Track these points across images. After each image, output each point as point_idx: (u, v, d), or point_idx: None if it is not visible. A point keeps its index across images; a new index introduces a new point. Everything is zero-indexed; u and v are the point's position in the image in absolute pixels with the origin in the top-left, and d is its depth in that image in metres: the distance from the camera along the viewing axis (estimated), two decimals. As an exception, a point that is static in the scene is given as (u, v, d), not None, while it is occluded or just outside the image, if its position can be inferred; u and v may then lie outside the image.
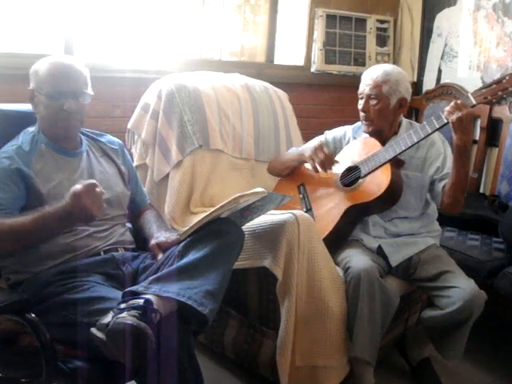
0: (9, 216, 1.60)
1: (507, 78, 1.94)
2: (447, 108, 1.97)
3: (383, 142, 2.19)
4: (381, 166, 2.10)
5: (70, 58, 1.87)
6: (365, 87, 2.18)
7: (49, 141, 1.81)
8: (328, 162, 2.18)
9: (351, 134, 2.36)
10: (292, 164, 2.38)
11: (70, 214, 1.53)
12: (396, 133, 2.22)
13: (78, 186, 1.52)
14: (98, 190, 1.54)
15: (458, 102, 1.95)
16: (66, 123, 1.79)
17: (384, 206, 2.14)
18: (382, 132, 2.20)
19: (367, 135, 2.25)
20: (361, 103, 2.19)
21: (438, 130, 2.03)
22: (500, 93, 1.94)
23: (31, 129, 1.84)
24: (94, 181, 1.55)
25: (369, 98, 2.16)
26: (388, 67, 2.20)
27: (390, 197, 2.09)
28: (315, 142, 2.41)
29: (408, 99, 2.21)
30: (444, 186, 2.10)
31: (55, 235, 1.67)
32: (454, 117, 1.94)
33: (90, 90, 1.82)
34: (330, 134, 2.42)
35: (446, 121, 1.98)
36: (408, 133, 2.08)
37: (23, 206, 1.69)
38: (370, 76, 2.18)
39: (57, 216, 1.55)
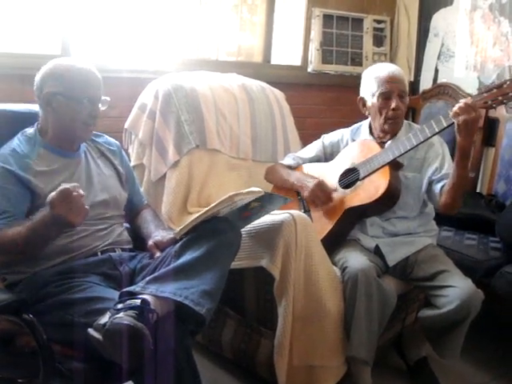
0: (14, 224, 1.60)
1: (508, 82, 1.91)
2: (455, 108, 1.93)
3: (383, 143, 2.19)
4: (379, 168, 2.09)
5: (86, 62, 1.86)
6: (393, 84, 2.12)
7: (47, 143, 1.81)
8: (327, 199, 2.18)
9: (349, 136, 2.35)
10: (287, 186, 2.33)
11: (53, 221, 1.50)
12: (395, 134, 2.21)
13: (52, 194, 1.48)
14: (75, 194, 1.47)
15: (469, 102, 1.91)
16: (89, 128, 1.82)
17: (382, 209, 2.14)
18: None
19: (366, 137, 2.25)
20: (389, 103, 2.13)
21: (437, 133, 2.02)
22: (500, 98, 1.92)
23: (28, 131, 1.83)
24: (69, 185, 1.48)
25: (401, 96, 2.13)
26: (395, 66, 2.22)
27: (389, 199, 2.08)
28: (313, 148, 2.42)
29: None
30: (442, 187, 2.09)
31: (53, 239, 1.64)
32: (460, 118, 1.91)
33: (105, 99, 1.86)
34: (327, 138, 2.41)
35: (452, 121, 1.95)
36: (407, 136, 2.07)
37: (29, 209, 1.68)
38: (396, 73, 2.15)
39: (43, 224, 1.53)
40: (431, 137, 2.04)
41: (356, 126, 2.35)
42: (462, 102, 1.92)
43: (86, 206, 1.52)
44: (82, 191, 1.50)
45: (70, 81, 1.76)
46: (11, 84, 1.92)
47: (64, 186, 1.48)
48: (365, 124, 2.31)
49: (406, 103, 2.17)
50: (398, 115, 2.15)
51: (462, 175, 2.02)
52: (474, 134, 1.95)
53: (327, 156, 2.38)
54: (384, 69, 2.18)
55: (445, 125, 1.98)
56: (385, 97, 2.14)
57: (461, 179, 2.02)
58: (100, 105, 1.82)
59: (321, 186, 2.19)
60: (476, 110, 1.90)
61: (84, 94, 1.77)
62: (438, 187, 2.11)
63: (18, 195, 1.68)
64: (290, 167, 2.40)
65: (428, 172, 2.16)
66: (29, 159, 1.74)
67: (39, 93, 1.79)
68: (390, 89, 2.13)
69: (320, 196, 2.17)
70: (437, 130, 2.01)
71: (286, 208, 2.13)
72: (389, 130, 2.18)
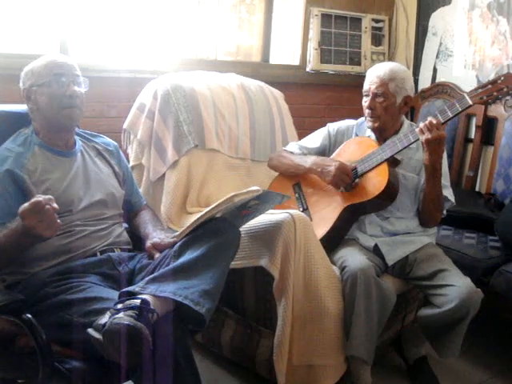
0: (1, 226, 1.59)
1: (502, 78, 1.95)
2: (420, 125, 1.98)
3: (384, 140, 2.20)
4: (378, 165, 2.10)
5: (60, 55, 1.88)
6: (370, 85, 2.16)
7: (42, 142, 1.82)
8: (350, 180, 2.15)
9: (355, 129, 2.34)
10: (299, 172, 2.30)
11: (23, 231, 1.48)
12: (397, 132, 2.21)
13: (24, 205, 1.45)
14: (47, 207, 1.44)
15: (433, 121, 1.95)
16: (69, 110, 1.79)
17: (381, 206, 2.14)
18: (385, 129, 2.20)
19: (368, 133, 2.25)
20: (366, 100, 2.17)
21: None
22: (495, 93, 1.95)
23: (24, 131, 1.84)
24: (43, 197, 1.45)
25: (375, 95, 2.14)
26: (394, 65, 2.20)
27: (388, 196, 2.08)
28: (318, 137, 2.39)
29: (412, 97, 2.22)
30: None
31: (26, 249, 1.61)
32: (423, 137, 1.96)
33: (83, 80, 1.85)
34: (332, 126, 2.39)
35: (418, 137, 2.00)
36: (405, 133, 2.09)
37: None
38: (375, 74, 2.16)
39: (16, 233, 1.51)
40: (414, 142, 2.05)
41: (362, 119, 2.32)
42: (427, 121, 1.96)
43: (59, 221, 1.49)
44: (55, 205, 1.47)
45: (39, 70, 1.80)
46: (8, 84, 1.92)
47: (37, 197, 1.45)
48: None
49: (382, 105, 2.14)
50: (373, 114, 2.16)
51: (432, 193, 2.06)
52: (439, 152, 1.98)
53: (332, 144, 2.35)
54: (373, 68, 2.21)
55: (417, 137, 2.01)
56: (364, 94, 2.20)
57: (431, 196, 2.06)
58: (76, 86, 1.81)
59: (343, 169, 2.13)
60: (439, 129, 1.94)
61: (52, 75, 1.78)
62: (421, 196, 2.14)
63: (7, 199, 1.67)
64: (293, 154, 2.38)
65: (423, 175, 2.16)
66: (24, 158, 1.75)
67: (22, 94, 1.83)
68: (366, 87, 2.18)
69: (344, 179, 2.13)
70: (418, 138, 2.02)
71: (284, 206, 2.13)
72: (370, 127, 2.20)
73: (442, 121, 1.98)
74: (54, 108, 1.78)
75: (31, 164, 1.75)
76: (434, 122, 1.95)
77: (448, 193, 2.13)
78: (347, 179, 2.13)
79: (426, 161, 2.00)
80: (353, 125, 2.35)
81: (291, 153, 2.38)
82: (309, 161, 2.26)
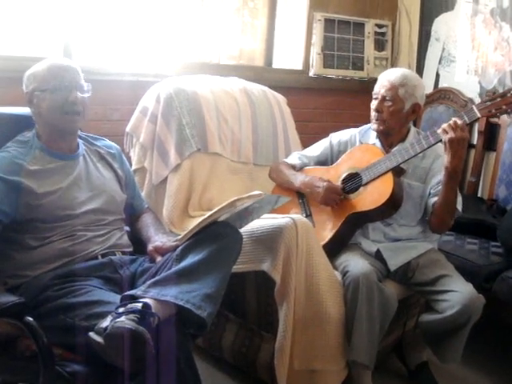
0: None
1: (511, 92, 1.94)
2: (444, 125, 1.96)
3: (389, 146, 2.20)
4: (383, 174, 2.09)
5: (60, 58, 1.86)
6: (380, 88, 2.16)
7: (44, 146, 1.81)
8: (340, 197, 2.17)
9: (358, 137, 2.33)
10: (292, 188, 2.31)
11: None
12: (403, 140, 2.20)
13: None
14: None
15: (458, 122, 1.94)
16: (71, 116, 1.79)
17: (385, 214, 2.13)
18: (390, 134, 2.19)
19: (372, 141, 2.25)
20: (374, 103, 2.17)
21: (441, 141, 2.00)
22: (504, 107, 1.94)
23: (27, 134, 1.84)
24: None
25: (384, 99, 2.14)
26: (407, 72, 2.20)
27: (392, 205, 2.08)
28: (320, 147, 2.40)
29: (421, 106, 2.21)
30: (434, 204, 2.10)
31: None
32: (446, 137, 1.94)
33: (86, 86, 1.85)
34: (335, 137, 2.38)
35: (440, 138, 1.99)
36: (411, 142, 2.08)
37: (21, 207, 1.68)
38: (387, 77, 2.16)
39: None
40: (435, 144, 2.04)
41: (366, 126, 2.32)
42: (451, 121, 1.95)
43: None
44: None
45: (42, 74, 1.79)
46: (10, 87, 1.92)
47: None
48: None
49: (390, 109, 2.13)
50: (379, 117, 2.16)
51: (449, 197, 2.03)
52: (461, 155, 1.95)
53: (334, 155, 2.35)
54: (386, 71, 2.21)
55: (439, 138, 1.99)
56: (374, 97, 2.19)
57: (448, 201, 2.04)
58: (78, 92, 1.80)
59: (331, 189, 2.16)
60: (463, 131, 1.93)
61: (55, 81, 1.77)
62: (431, 202, 2.12)
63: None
64: (294, 167, 2.38)
65: (431, 182, 2.16)
66: (22, 161, 1.74)
67: (25, 97, 1.82)
68: (376, 90, 2.18)
69: (333, 198, 2.15)
70: (434, 142, 2.02)
71: (286, 211, 2.13)
72: (375, 129, 2.19)
73: (468, 121, 1.97)
74: (56, 114, 1.78)
75: (31, 165, 1.74)
76: (459, 122, 1.94)
77: (457, 201, 2.12)
78: (337, 197, 2.15)
79: (447, 163, 1.96)
80: (355, 133, 2.35)
81: (291, 165, 2.38)
82: (298, 180, 2.28)
